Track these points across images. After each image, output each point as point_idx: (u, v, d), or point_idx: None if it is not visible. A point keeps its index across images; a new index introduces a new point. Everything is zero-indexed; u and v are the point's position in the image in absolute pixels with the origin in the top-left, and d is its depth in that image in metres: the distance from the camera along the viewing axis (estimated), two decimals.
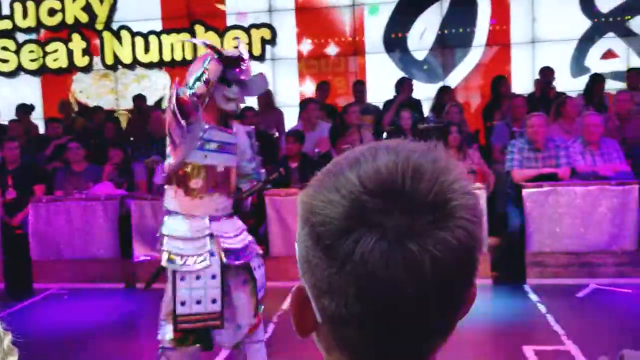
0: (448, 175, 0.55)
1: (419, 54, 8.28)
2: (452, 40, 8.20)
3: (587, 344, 3.72)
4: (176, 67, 8.39)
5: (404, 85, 7.29)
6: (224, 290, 2.75)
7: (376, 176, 0.55)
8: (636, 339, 3.64)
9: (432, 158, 0.56)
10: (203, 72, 2.65)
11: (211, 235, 2.76)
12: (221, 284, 2.74)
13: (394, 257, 0.52)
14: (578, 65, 7.97)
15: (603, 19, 7.89)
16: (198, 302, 2.66)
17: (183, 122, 2.58)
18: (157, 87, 8.53)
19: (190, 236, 2.74)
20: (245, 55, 2.83)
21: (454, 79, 8.21)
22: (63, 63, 8.67)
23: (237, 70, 2.79)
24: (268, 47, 8.41)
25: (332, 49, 8.41)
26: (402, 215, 0.53)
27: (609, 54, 7.91)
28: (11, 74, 8.82)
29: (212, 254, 2.72)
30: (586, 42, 7.95)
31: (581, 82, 7.33)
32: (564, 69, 7.82)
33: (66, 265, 5.72)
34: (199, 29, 8.43)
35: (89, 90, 8.89)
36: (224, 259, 2.74)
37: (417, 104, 7.25)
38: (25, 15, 8.64)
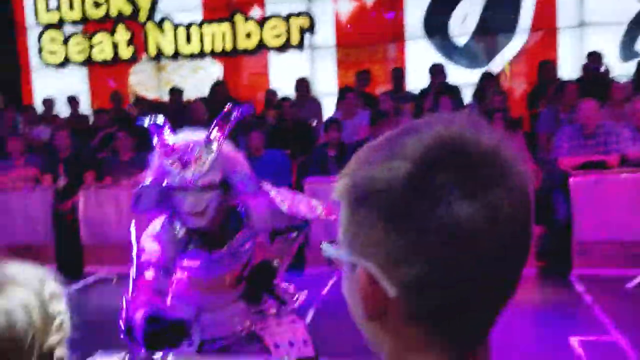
0: (497, 135, 0.58)
1: (461, 40, 8.15)
2: (495, 25, 8.03)
3: (635, 335, 3.64)
4: (224, 57, 8.57)
5: (436, 72, 7.20)
6: None
7: (437, 136, 0.56)
8: None
9: (485, 123, 0.58)
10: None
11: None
12: None
13: (470, 210, 0.53)
14: (628, 49, 7.70)
15: None
16: None
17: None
18: (212, 78, 8.62)
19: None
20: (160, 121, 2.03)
21: (496, 65, 8.05)
22: (108, 55, 8.89)
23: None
24: (307, 35, 8.42)
25: (371, 37, 8.35)
26: (467, 170, 0.54)
27: None
28: (59, 66, 9.09)
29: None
30: (636, 25, 7.67)
31: (631, 67, 7.09)
32: (613, 54, 7.57)
33: (114, 250, 5.90)
34: (238, 18, 8.51)
35: (146, 82, 9.08)
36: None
37: (456, 91, 7.16)
38: (71, 7, 8.88)
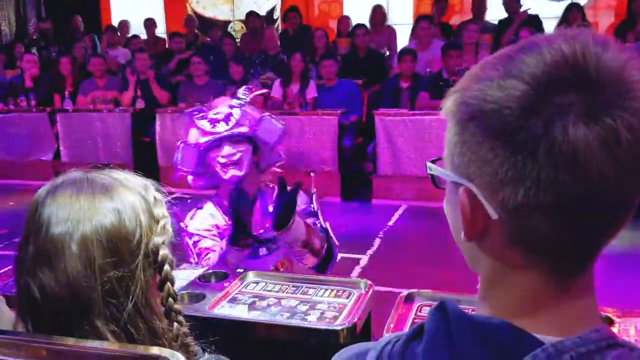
0: (625, 53, 0.54)
1: None
2: None
3: None
4: None
5: (512, 3, 6.80)
6: None
7: (557, 55, 0.53)
8: None
9: (612, 40, 0.55)
10: None
11: None
12: None
13: (588, 133, 0.51)
14: None
15: None
16: None
17: None
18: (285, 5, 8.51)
19: None
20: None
21: None
22: None
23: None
24: None
25: None
26: (588, 91, 0.51)
27: None
28: None
29: None
30: None
31: None
32: None
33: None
34: None
35: (204, 1, 9.11)
36: None
37: (538, 22, 6.77)
38: None
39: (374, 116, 5.72)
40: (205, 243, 2.05)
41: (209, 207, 2.16)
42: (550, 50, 0.54)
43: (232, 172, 2.03)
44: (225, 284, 1.60)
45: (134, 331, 0.79)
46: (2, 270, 1.82)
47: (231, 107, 2.06)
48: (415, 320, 1.39)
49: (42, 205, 0.81)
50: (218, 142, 2.03)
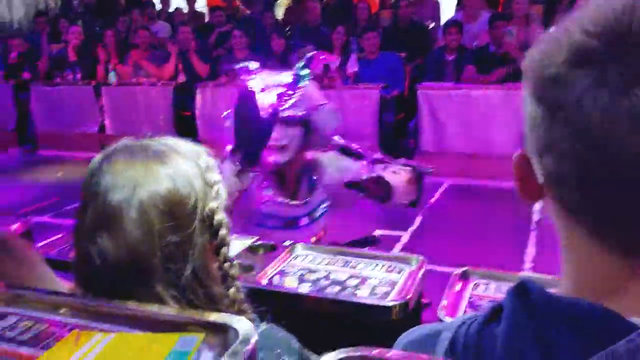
0: None
1: None
2: None
3: None
4: None
5: None
6: None
7: (599, 17, 0.50)
8: None
9: None
10: None
11: None
12: None
13: (617, 105, 0.47)
14: None
15: None
16: None
17: None
18: None
19: None
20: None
21: None
22: None
23: None
24: None
25: None
26: (628, 59, 0.48)
27: None
28: None
29: None
30: None
31: None
32: None
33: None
34: None
35: None
36: None
37: None
38: None
39: (417, 90, 5.61)
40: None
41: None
42: (595, 9, 0.51)
43: (275, 156, 1.95)
44: (274, 256, 1.59)
45: (193, 296, 0.79)
46: (55, 238, 1.85)
47: (292, 84, 1.94)
48: (471, 299, 1.35)
49: (98, 173, 0.81)
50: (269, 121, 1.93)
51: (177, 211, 0.79)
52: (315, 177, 2.07)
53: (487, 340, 0.58)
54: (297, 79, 1.96)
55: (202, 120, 6.35)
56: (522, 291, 0.57)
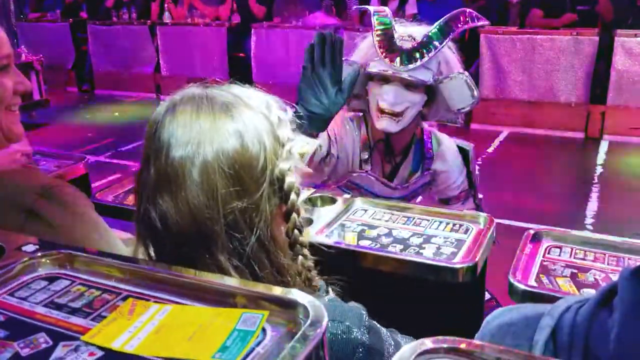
0: None
1: None
2: None
3: None
4: None
5: None
6: None
7: None
8: None
9: None
10: None
11: None
12: None
13: None
14: None
15: None
16: None
17: None
18: None
19: None
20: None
21: None
22: None
23: None
24: None
25: None
26: None
27: None
28: None
29: None
30: None
31: None
32: None
33: (281, 89, 6.09)
34: None
35: None
36: None
37: None
38: None
39: (479, 34, 5.33)
40: None
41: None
42: None
43: (387, 123, 1.64)
44: (333, 210, 1.52)
45: (258, 267, 0.72)
46: (111, 178, 1.83)
47: (426, 40, 1.62)
48: (545, 263, 1.25)
49: (162, 125, 0.73)
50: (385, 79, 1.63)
51: (244, 173, 0.71)
52: (427, 157, 1.81)
53: (599, 331, 0.50)
54: (436, 35, 1.62)
55: (257, 63, 6.26)
56: None
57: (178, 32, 6.63)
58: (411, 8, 5.69)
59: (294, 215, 0.76)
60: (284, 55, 6.08)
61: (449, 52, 1.69)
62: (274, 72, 6.14)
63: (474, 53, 5.45)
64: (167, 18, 6.75)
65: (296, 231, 0.77)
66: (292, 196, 0.75)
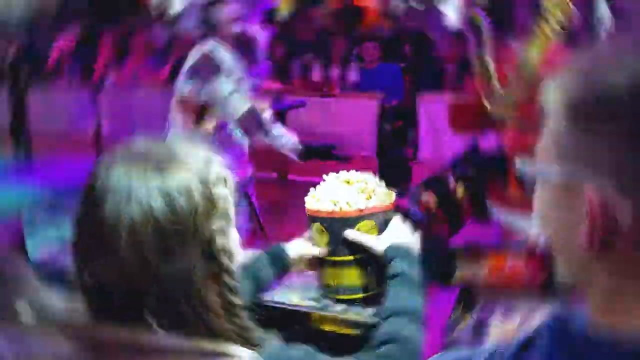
0: None
1: None
2: None
3: None
4: None
5: None
6: None
7: None
8: None
9: None
10: None
11: None
12: None
13: None
14: None
15: None
16: None
17: None
18: None
19: None
20: None
21: None
22: None
23: None
24: None
25: None
26: None
27: None
28: None
29: None
30: None
31: None
32: None
33: None
34: None
35: None
36: None
37: None
38: None
39: (417, 100, 5.58)
40: None
41: None
42: None
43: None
44: None
45: (192, 331, 0.70)
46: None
47: None
48: None
49: (97, 179, 0.72)
50: None
51: (172, 235, 0.70)
52: None
53: None
54: None
55: None
56: (563, 327, 0.51)
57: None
58: (352, 75, 5.94)
59: (226, 277, 0.75)
60: None
61: None
62: None
63: (412, 117, 5.66)
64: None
65: (228, 293, 0.75)
66: (223, 258, 0.74)
